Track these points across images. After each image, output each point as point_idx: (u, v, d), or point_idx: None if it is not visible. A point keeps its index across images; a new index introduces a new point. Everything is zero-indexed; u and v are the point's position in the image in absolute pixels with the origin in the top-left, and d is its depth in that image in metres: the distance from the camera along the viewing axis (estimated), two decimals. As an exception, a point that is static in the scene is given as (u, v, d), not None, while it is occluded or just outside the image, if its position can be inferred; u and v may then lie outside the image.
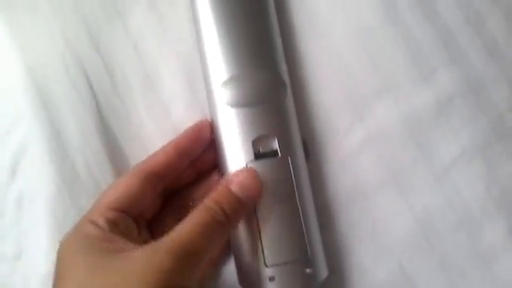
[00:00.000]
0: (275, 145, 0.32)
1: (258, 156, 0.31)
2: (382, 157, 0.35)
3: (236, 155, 0.32)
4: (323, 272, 0.32)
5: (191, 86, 0.35)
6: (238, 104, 0.32)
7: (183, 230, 0.26)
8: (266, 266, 0.31)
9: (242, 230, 0.31)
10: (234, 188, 0.29)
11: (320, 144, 0.35)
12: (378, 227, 0.34)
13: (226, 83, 0.32)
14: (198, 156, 0.33)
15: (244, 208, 0.29)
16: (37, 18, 0.36)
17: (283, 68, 0.33)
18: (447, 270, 0.34)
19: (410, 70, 0.35)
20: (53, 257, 0.31)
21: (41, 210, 0.34)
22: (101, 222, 0.28)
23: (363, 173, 0.35)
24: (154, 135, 0.35)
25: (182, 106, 0.35)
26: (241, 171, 0.31)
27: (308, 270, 0.31)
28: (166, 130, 0.35)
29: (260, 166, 0.31)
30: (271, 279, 0.30)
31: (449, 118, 0.35)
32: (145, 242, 0.27)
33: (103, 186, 0.34)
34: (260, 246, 0.31)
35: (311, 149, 0.35)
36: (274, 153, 0.32)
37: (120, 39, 0.36)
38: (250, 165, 0.31)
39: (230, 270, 0.34)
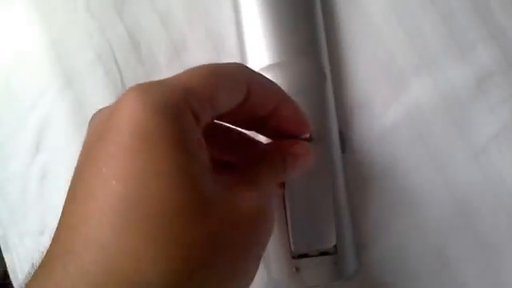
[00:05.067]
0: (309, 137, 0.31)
1: None
2: (419, 134, 0.33)
3: None
4: (351, 266, 0.31)
5: (220, 58, 0.34)
6: None
7: None
8: (293, 257, 0.30)
9: None
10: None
11: (357, 121, 0.34)
12: (414, 206, 0.33)
13: (263, 70, 0.31)
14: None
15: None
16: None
17: (325, 58, 0.32)
18: (484, 250, 0.33)
19: (449, 46, 0.34)
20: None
21: (64, 186, 0.34)
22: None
23: (400, 150, 0.33)
24: None
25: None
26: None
27: (335, 264, 0.30)
28: None
29: None
30: (297, 270, 0.30)
31: (487, 95, 0.33)
32: None
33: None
34: (287, 237, 0.30)
35: (348, 126, 0.34)
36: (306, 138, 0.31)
37: (146, 10, 0.35)
38: None
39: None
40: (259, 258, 0.21)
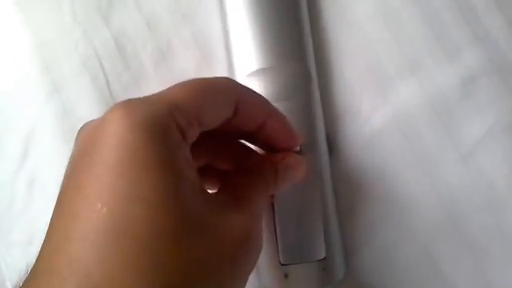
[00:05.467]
0: None
1: None
2: (406, 137, 0.34)
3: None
4: (340, 272, 0.31)
5: (207, 63, 0.34)
6: None
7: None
8: (281, 264, 0.30)
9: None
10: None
11: (343, 125, 0.34)
12: (402, 209, 0.33)
13: (250, 76, 0.31)
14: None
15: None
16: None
17: (311, 62, 0.32)
18: (472, 252, 0.33)
19: (434, 49, 0.34)
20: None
21: (52, 195, 0.34)
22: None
23: (387, 153, 0.34)
24: None
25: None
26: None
27: (323, 270, 0.30)
28: None
29: None
30: (286, 276, 0.30)
31: (474, 98, 0.34)
32: None
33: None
34: (276, 243, 0.29)
35: (335, 130, 0.34)
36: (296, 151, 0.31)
37: (132, 14, 0.35)
38: None
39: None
40: (248, 275, 0.21)
